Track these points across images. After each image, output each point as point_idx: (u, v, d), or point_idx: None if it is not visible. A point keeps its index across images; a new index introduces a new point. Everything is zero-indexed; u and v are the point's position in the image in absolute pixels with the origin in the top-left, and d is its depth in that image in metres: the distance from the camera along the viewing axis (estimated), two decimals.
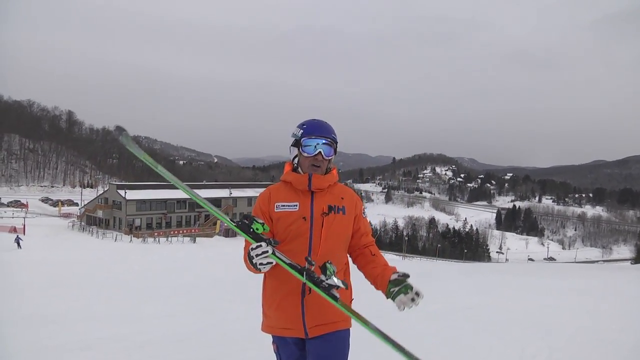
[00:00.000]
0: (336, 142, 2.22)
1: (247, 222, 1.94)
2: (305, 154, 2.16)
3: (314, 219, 2.11)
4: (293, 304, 2.08)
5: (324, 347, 2.06)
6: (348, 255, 2.31)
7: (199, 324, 5.84)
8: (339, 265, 2.16)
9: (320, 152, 2.15)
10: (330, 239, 2.11)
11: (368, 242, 2.28)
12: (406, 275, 2.00)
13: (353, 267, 2.31)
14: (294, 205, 2.14)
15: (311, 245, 2.09)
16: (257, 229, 1.92)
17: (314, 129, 2.17)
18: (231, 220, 2.02)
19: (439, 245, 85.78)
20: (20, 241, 26.33)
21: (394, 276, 2.02)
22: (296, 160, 2.23)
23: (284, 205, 2.15)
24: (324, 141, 2.16)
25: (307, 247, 2.08)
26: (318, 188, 2.14)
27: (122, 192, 53.99)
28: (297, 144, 2.19)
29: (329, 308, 2.05)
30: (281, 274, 2.11)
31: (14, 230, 36.61)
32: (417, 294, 1.94)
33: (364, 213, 2.31)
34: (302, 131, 2.18)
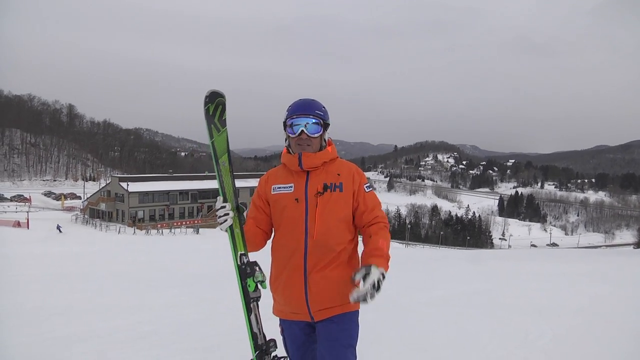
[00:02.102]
0: (323, 118, 2.15)
1: (248, 271, 2.06)
2: (290, 135, 2.14)
3: (308, 199, 2.07)
4: (295, 289, 2.07)
5: (332, 328, 2.05)
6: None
7: (203, 313, 5.85)
8: (340, 245, 2.10)
9: (302, 130, 2.10)
10: (326, 220, 2.05)
11: (371, 220, 2.12)
12: (368, 271, 1.86)
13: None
14: (289, 187, 2.12)
15: (307, 227, 2.05)
16: (249, 286, 2.06)
17: (297, 108, 2.14)
18: (240, 256, 2.11)
19: (441, 233, 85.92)
20: (61, 227, 34.34)
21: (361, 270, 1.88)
22: (287, 142, 2.21)
23: (279, 187, 2.15)
24: (311, 120, 2.11)
25: (303, 230, 2.05)
26: (311, 167, 2.10)
27: (124, 184, 54.19)
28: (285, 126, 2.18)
29: (332, 292, 2.05)
30: (282, 260, 2.12)
31: (17, 224, 36.83)
32: (375, 287, 1.80)
33: (366, 187, 2.17)
34: (287, 113, 2.16)
